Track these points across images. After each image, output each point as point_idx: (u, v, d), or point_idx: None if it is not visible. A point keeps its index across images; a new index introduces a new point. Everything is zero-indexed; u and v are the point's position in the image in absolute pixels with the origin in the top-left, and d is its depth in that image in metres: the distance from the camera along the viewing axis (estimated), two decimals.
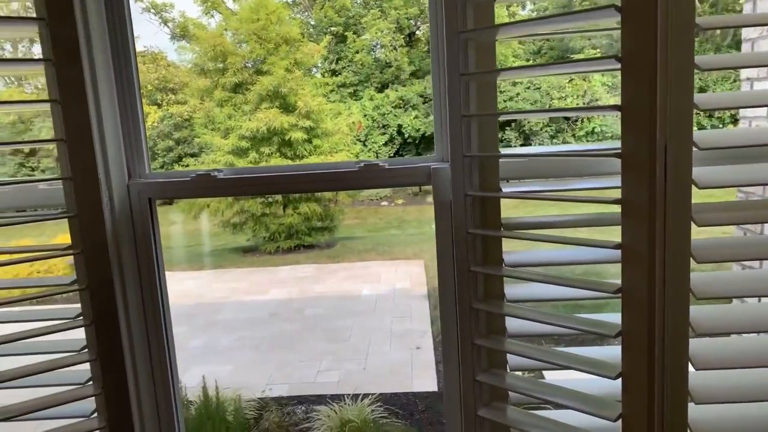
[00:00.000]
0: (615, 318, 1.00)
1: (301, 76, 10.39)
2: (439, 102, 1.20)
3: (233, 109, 10.51)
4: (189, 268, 9.30)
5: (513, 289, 1.15)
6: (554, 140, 13.72)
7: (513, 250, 1.20)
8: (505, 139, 13.56)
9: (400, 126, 14.29)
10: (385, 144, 14.35)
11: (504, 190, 1.10)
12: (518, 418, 1.12)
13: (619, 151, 0.90)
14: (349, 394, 4.15)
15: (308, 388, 4.60)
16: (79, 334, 1.27)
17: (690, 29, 0.90)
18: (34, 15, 1.13)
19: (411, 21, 15.42)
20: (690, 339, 1.01)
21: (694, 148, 0.93)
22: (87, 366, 1.26)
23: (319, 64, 14.59)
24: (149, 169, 1.34)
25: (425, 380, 4.64)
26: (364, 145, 14.09)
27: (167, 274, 1.41)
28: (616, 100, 0.94)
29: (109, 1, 1.24)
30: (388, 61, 14.85)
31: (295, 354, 5.39)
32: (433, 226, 1.21)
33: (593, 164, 1.17)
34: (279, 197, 9.64)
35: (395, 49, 14.81)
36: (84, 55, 1.14)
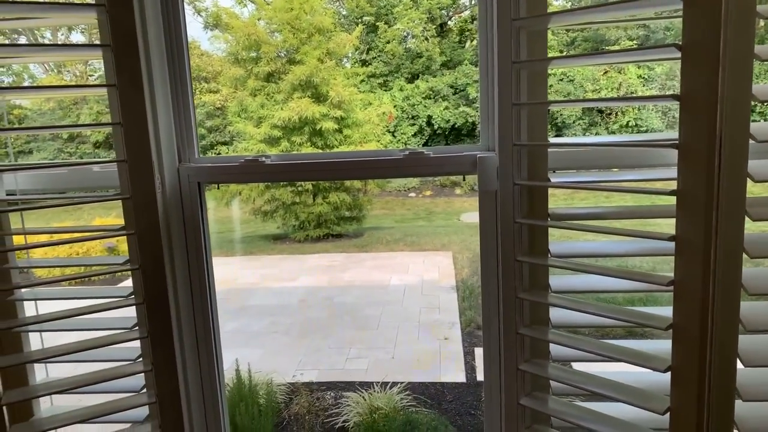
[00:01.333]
0: (664, 311, 1.00)
1: (333, 66, 10.42)
2: (486, 90, 1.20)
3: (266, 98, 10.62)
4: (221, 253, 9.48)
5: (558, 280, 1.15)
6: (587, 133, 13.47)
7: (557, 240, 1.20)
8: None
9: (429, 117, 14.21)
10: (414, 135, 14.30)
11: (552, 180, 1.10)
12: (560, 408, 1.13)
13: (677, 141, 0.89)
14: (378, 382, 4.19)
15: (337, 375, 4.66)
16: (130, 312, 1.32)
17: (751, 17, 0.88)
18: (93, 2, 1.16)
19: (443, 11, 15.28)
20: (739, 335, 0.99)
21: (751, 140, 0.91)
22: (137, 343, 1.31)
23: (350, 54, 14.59)
24: (198, 154, 1.37)
25: (453, 371, 4.65)
26: (393, 135, 14.07)
27: None
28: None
29: None
30: (419, 51, 14.76)
31: (325, 340, 5.46)
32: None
33: (641, 156, 1.15)
34: (309, 186, 9.72)
35: (426, 39, 14.71)
36: (140, 42, 1.17)
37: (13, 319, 1.32)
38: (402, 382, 4.22)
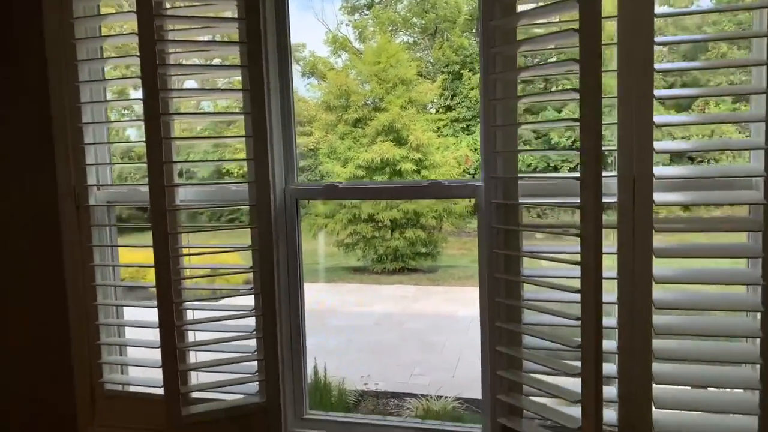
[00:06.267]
0: None
1: (414, 113, 11.35)
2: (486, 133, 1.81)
3: (353, 142, 11.69)
4: (307, 280, 10.33)
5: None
6: None
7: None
8: None
9: None
10: None
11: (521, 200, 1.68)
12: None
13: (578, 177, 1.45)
14: (439, 396, 4.69)
15: (402, 388, 5.20)
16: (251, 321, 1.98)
17: None
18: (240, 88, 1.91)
19: (527, 59, 15.81)
20: None
21: None
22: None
23: (435, 101, 15.45)
24: (297, 179, 2.07)
25: None
26: (473, 177, 14.61)
27: None
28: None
29: (283, 55, 1.98)
30: None
31: (393, 359, 6.03)
32: None
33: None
34: (387, 222, 10.53)
35: None
36: (266, 101, 1.88)
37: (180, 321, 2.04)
38: (459, 397, 4.69)
